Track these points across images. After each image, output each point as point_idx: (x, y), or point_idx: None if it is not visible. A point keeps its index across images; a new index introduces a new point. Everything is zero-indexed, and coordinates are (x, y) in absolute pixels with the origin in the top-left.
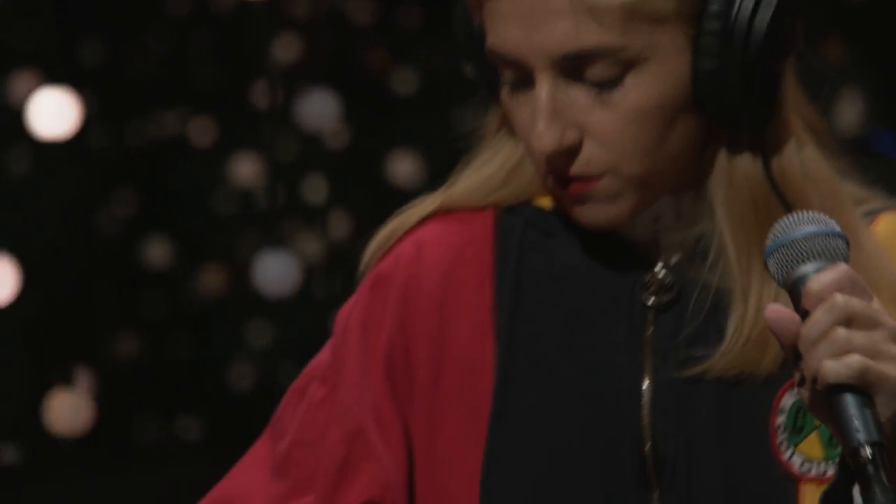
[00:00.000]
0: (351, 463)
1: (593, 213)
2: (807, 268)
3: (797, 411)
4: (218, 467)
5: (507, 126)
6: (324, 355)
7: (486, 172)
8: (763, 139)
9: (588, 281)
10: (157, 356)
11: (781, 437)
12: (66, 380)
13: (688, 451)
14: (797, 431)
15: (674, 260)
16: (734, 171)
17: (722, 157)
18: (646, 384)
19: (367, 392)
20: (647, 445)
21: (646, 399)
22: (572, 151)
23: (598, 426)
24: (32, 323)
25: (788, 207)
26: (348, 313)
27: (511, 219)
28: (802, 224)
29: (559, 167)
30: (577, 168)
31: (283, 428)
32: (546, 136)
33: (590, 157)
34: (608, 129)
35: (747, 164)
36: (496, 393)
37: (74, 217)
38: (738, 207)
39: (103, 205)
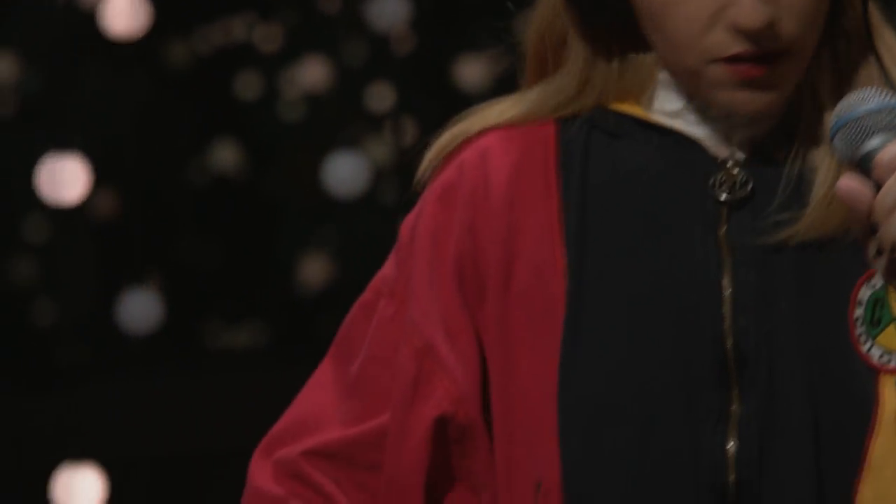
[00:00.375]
0: (422, 379)
1: (756, 98)
2: (874, 142)
3: (874, 303)
4: (285, 371)
5: (577, 40)
6: (389, 269)
7: (555, 85)
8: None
9: (658, 181)
10: (226, 259)
11: (860, 329)
12: (137, 279)
13: (768, 347)
14: (875, 324)
15: (745, 156)
16: (839, 55)
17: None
18: (725, 281)
19: (436, 305)
20: (729, 342)
21: (726, 295)
22: (770, 25)
23: (677, 325)
24: (103, 223)
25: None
26: (413, 225)
27: (575, 124)
28: (866, 101)
29: (757, 41)
30: (767, 43)
31: (352, 345)
32: (759, 9)
33: (781, 30)
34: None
35: (853, 48)
36: (569, 298)
37: (144, 120)
38: (826, 93)
39: (172, 109)
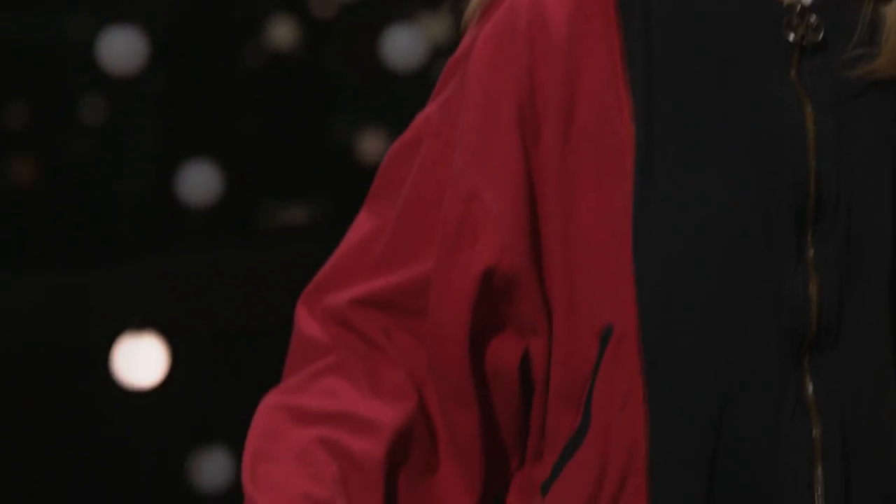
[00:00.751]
0: (466, 228)
1: None
2: None
3: None
4: None
5: None
6: (433, 109)
7: None
8: None
9: (726, 21)
10: (283, 134)
11: None
12: (196, 153)
13: (848, 192)
14: None
15: (816, 1)
16: None
17: None
18: (808, 123)
19: (484, 150)
20: (811, 186)
21: (809, 138)
22: None
23: (756, 169)
24: (162, 96)
25: None
26: (461, 65)
27: None
28: None
29: None
30: None
31: (393, 188)
32: None
33: None
34: None
35: None
36: (638, 141)
37: None
38: None
39: None
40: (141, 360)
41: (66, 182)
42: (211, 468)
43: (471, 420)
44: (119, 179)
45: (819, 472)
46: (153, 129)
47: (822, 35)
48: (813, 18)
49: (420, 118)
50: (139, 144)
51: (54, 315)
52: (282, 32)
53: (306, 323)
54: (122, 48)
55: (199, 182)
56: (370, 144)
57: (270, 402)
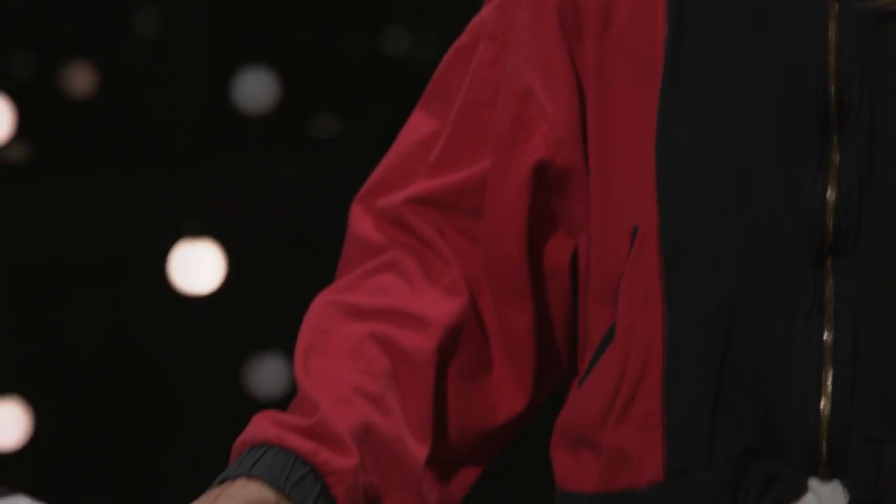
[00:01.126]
0: (521, 125)
1: None
2: None
3: None
4: None
5: None
6: (489, 12)
7: None
8: None
9: None
10: (339, 42)
11: None
12: (251, 61)
13: (871, 99)
14: None
15: None
16: None
17: None
18: (831, 28)
19: (536, 49)
20: (832, 90)
21: (831, 42)
22: None
23: (779, 71)
24: (217, 5)
25: None
26: None
27: None
28: None
29: None
30: None
31: (450, 89)
32: None
33: None
34: None
35: None
36: (668, 41)
37: None
38: None
39: None
40: (198, 267)
41: (123, 90)
42: (267, 374)
43: (524, 319)
44: (176, 88)
45: (827, 375)
46: (209, 36)
47: None
48: None
49: (476, 21)
50: (195, 52)
51: (112, 223)
52: None
53: (360, 223)
54: None
55: (255, 90)
56: (424, 52)
57: (323, 300)
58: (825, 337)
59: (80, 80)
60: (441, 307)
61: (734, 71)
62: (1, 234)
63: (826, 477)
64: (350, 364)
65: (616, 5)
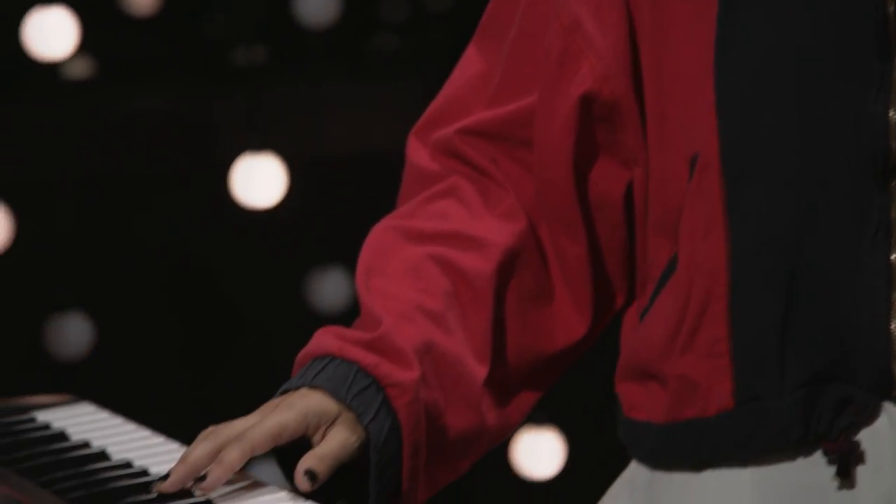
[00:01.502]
0: (569, 57)
1: None
2: None
3: None
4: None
5: None
6: None
7: None
8: None
9: None
10: None
11: None
12: None
13: None
14: None
15: None
16: None
17: None
18: None
19: None
20: (892, 7)
21: None
22: None
23: None
24: None
25: None
26: None
27: None
28: None
29: None
30: None
31: (502, 23)
32: None
33: None
34: None
35: None
36: None
37: None
38: None
39: None
40: (259, 181)
41: (185, 7)
42: (328, 289)
43: (577, 248)
44: (237, 4)
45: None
46: None
47: None
48: None
49: None
50: None
51: (174, 138)
52: None
53: (418, 154)
54: None
55: (319, 7)
56: None
57: (383, 226)
58: (893, 257)
59: None
60: (500, 231)
61: None
62: (63, 148)
63: None
64: (411, 283)
65: None
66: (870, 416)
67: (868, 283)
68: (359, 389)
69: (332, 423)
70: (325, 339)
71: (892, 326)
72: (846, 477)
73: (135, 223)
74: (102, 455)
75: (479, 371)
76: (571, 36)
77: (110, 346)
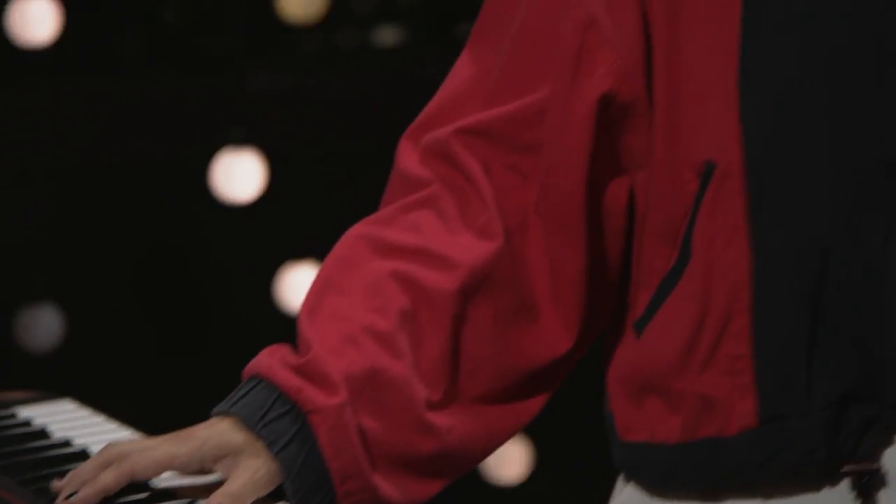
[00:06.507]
0: (586, 54)
1: None
2: None
3: None
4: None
5: None
6: None
7: None
8: None
9: None
10: None
11: None
12: None
13: None
14: None
15: None
16: None
17: None
18: None
19: None
20: None
21: None
22: None
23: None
24: None
25: None
26: None
27: None
28: None
29: None
30: None
31: (503, 18)
32: None
33: None
34: None
35: None
36: None
37: None
38: None
39: None
40: (239, 175)
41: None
42: (305, 285)
43: (577, 258)
44: None
45: None
46: None
47: None
48: None
49: None
50: None
51: (155, 128)
52: None
53: (407, 157)
54: None
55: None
56: None
57: (355, 232)
58: None
59: None
60: (472, 249)
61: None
62: (42, 134)
63: None
64: (366, 301)
65: None
66: (893, 435)
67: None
68: (275, 416)
69: (240, 453)
70: (262, 358)
71: None
72: (868, 499)
73: (112, 214)
74: (83, 454)
75: (430, 394)
76: (588, 32)
77: (83, 338)
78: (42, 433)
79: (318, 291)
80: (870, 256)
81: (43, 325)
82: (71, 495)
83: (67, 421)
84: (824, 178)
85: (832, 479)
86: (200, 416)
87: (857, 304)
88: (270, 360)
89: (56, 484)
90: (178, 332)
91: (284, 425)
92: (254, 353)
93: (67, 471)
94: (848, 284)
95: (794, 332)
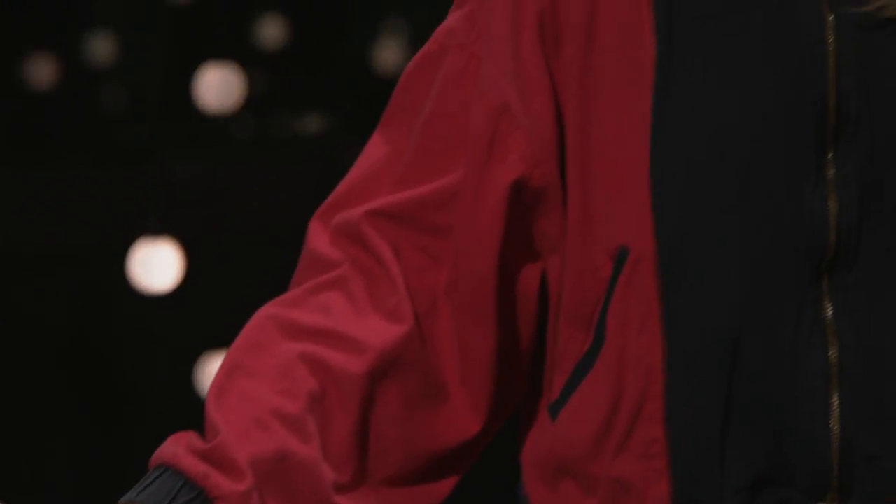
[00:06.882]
0: (498, 139)
1: None
2: None
3: None
4: (354, 158)
5: None
6: (457, 20)
7: None
8: None
9: None
10: (303, 44)
11: None
12: (215, 57)
13: (870, 109)
14: None
15: None
16: None
17: None
18: (829, 40)
19: (513, 61)
20: (831, 102)
21: (830, 54)
22: None
23: (777, 85)
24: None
25: None
26: None
27: None
28: None
29: None
30: None
31: (415, 100)
32: None
33: None
34: None
35: None
36: (659, 57)
37: None
38: None
39: None
40: (156, 265)
41: (85, 84)
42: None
43: (486, 341)
44: (139, 84)
45: (834, 397)
46: (173, 32)
47: None
48: None
49: (442, 30)
50: (159, 47)
51: (71, 218)
52: None
53: (317, 238)
54: None
55: (218, 86)
56: (386, 56)
57: (264, 313)
58: (830, 356)
59: (41, 72)
60: (381, 332)
61: (729, 85)
62: None
63: (834, 501)
64: (274, 384)
65: (599, 18)
66: None
67: (805, 383)
68: (182, 503)
69: None
70: (168, 446)
71: (831, 426)
72: None
73: (29, 303)
74: None
75: (339, 477)
76: (500, 118)
77: (2, 425)
78: None
79: (225, 373)
80: (779, 342)
81: None
82: None
83: None
84: (735, 265)
85: None
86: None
87: (767, 389)
88: (176, 448)
89: None
90: (95, 420)
91: None
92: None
93: None
94: (758, 370)
95: (707, 417)
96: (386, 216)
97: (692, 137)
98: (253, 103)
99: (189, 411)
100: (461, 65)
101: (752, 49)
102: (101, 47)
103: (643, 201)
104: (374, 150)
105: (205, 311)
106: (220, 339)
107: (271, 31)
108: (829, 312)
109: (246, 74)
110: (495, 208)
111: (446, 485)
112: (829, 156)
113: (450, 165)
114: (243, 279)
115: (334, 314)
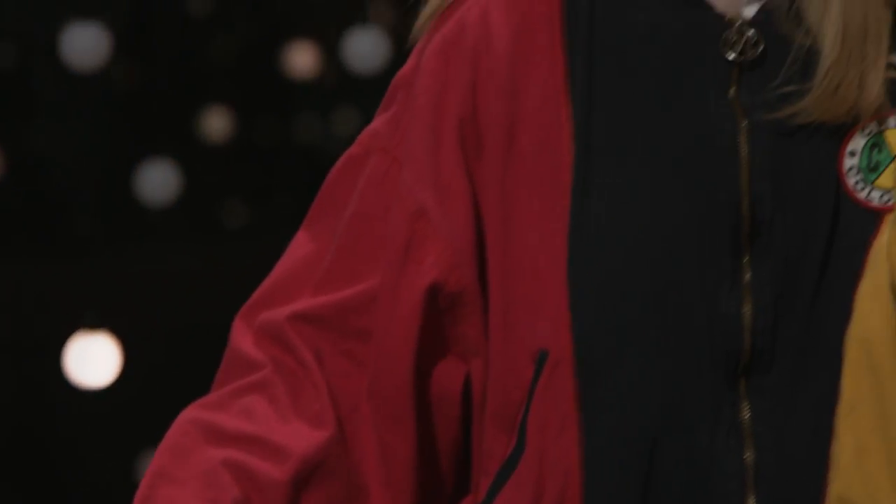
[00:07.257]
0: (414, 244)
1: None
2: None
3: (870, 149)
4: None
5: None
6: (381, 123)
7: None
8: None
9: (667, 41)
10: (245, 136)
11: (855, 178)
12: (156, 151)
13: (783, 214)
14: (873, 169)
15: (756, 14)
16: None
17: None
18: (742, 145)
19: (432, 167)
20: (745, 207)
21: (743, 159)
22: None
23: (691, 190)
24: (123, 94)
25: None
26: (409, 80)
27: None
28: None
29: None
30: None
31: (338, 201)
32: None
33: None
34: None
35: None
36: (576, 164)
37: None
38: None
39: None
40: (94, 359)
41: (24, 176)
42: None
43: (407, 446)
44: (78, 175)
45: (751, 499)
46: (114, 125)
47: (761, 50)
48: (751, 33)
49: (367, 133)
50: (100, 141)
51: (6, 311)
52: (242, 33)
53: (241, 338)
54: (84, 44)
55: (159, 181)
56: (334, 148)
57: (187, 417)
58: (746, 458)
59: None
60: (304, 438)
61: (646, 191)
62: None
63: None
64: (199, 492)
65: (520, 124)
66: None
67: (722, 487)
68: None
69: None
70: None
71: None
72: None
73: None
74: None
75: None
76: (417, 223)
77: None
78: None
79: (150, 482)
80: (696, 446)
81: None
82: None
83: None
84: (652, 368)
85: None
86: None
87: (684, 492)
88: None
89: None
90: None
91: None
92: None
93: None
94: (675, 472)
95: None
96: (308, 320)
97: (608, 241)
98: (193, 196)
99: None
100: (384, 168)
101: (667, 154)
102: (41, 140)
103: (562, 304)
104: (298, 249)
105: (143, 405)
106: (158, 434)
107: (214, 123)
108: (747, 415)
109: (188, 167)
110: (411, 313)
111: None
112: (745, 259)
113: (371, 269)
114: (182, 371)
115: (257, 419)
